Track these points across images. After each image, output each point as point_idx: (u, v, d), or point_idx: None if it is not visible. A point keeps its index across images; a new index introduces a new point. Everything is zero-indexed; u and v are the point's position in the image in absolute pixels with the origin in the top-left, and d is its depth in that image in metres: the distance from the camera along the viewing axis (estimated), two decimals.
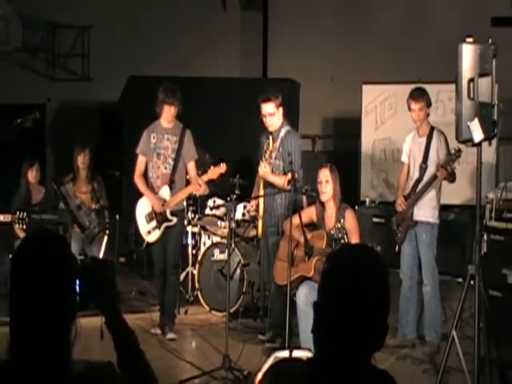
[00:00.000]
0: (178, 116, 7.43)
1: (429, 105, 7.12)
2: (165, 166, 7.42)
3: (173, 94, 7.28)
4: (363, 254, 2.28)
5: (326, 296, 2.21)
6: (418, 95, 7.08)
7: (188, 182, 7.53)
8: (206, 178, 7.27)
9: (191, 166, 7.47)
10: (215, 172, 7.25)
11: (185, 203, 7.81)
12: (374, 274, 2.20)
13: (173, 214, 7.38)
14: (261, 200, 7.17)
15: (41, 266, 2.24)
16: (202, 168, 7.68)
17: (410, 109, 7.12)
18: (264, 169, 7.03)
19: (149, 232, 7.46)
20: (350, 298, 2.15)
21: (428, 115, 7.14)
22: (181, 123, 7.49)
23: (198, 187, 7.31)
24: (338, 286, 2.18)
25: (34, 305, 2.22)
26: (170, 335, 7.35)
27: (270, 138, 7.11)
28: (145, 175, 7.53)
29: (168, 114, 7.34)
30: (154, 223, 7.42)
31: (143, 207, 7.50)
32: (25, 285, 2.24)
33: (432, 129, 7.14)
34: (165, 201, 7.36)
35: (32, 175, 8.90)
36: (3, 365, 2.27)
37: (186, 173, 7.54)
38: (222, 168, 7.24)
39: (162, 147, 7.41)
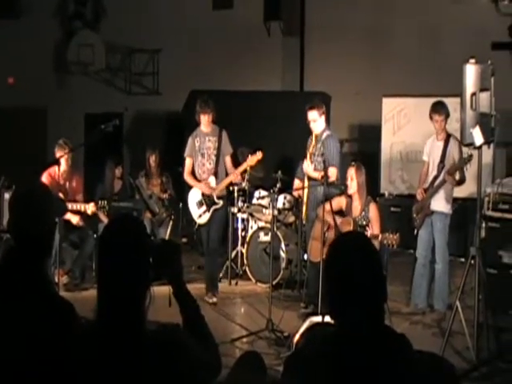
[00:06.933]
0: (213, 121, 7.43)
1: (447, 116, 6.97)
2: (209, 162, 7.45)
3: (206, 105, 7.31)
4: (356, 239, 2.31)
5: (330, 276, 2.24)
6: (440, 108, 6.93)
7: (227, 172, 7.54)
8: (241, 168, 7.37)
9: (228, 159, 7.51)
10: (253, 159, 7.28)
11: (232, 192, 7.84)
12: (367, 254, 2.22)
13: (218, 198, 7.43)
14: (305, 190, 7.16)
15: (123, 244, 2.28)
16: (241, 158, 7.66)
17: (431, 119, 6.96)
18: (307, 167, 7.03)
19: (200, 215, 7.50)
20: (351, 275, 2.16)
21: (445, 124, 7.01)
22: (217, 126, 7.49)
23: (236, 176, 7.40)
24: (340, 267, 2.21)
25: (117, 274, 2.25)
26: (213, 299, 7.38)
27: (314, 139, 7.09)
28: (192, 172, 7.55)
29: (205, 121, 7.38)
30: (204, 208, 7.46)
31: (194, 196, 7.54)
32: (111, 258, 2.28)
33: (449, 135, 7.01)
34: (212, 188, 7.41)
35: (119, 171, 9.03)
36: (91, 323, 2.32)
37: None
38: (259, 155, 7.25)
39: (204, 148, 7.44)
